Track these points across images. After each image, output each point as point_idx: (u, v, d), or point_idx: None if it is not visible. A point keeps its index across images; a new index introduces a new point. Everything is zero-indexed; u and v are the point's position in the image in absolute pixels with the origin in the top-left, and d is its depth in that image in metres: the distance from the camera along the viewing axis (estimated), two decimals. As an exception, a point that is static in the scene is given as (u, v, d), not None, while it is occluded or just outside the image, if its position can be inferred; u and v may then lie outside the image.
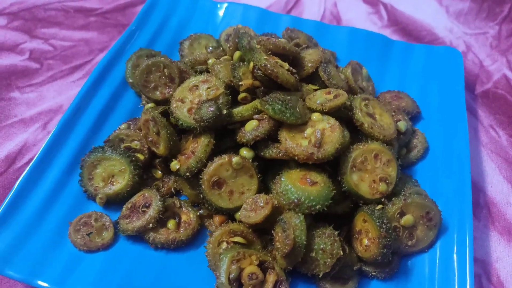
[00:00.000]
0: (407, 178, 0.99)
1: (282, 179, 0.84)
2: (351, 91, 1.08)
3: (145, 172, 0.97)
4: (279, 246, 0.79)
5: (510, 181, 1.10)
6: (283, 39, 1.00)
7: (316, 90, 0.99)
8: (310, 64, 1.00)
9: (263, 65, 0.90)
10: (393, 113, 1.05)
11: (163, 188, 0.95)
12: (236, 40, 1.03)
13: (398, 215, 0.86)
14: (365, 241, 0.84)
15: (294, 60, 1.02)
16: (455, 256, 0.85)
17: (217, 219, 0.92)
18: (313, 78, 1.01)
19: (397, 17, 1.50)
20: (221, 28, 1.28)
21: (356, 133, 0.92)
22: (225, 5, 1.33)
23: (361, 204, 0.87)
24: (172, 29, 1.25)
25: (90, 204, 0.93)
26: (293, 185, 0.82)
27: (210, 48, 1.07)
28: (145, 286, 0.82)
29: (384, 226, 0.80)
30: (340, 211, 0.89)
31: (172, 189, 0.96)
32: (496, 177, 1.11)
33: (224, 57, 1.04)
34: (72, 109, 0.99)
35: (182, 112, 0.90)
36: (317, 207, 0.80)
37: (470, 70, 1.35)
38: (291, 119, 0.85)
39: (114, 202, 0.92)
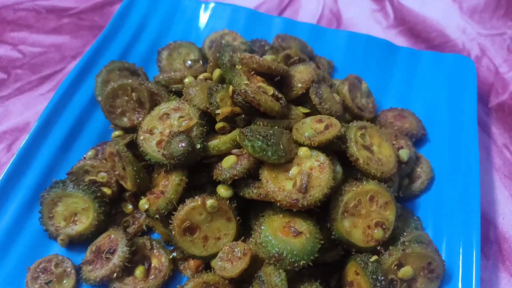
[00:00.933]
0: (408, 215, 0.88)
1: (262, 227, 0.73)
2: (347, 110, 0.96)
3: (114, 206, 0.87)
4: (256, 306, 0.69)
5: (525, 212, 0.98)
6: (268, 56, 0.88)
7: (307, 113, 0.87)
8: (299, 85, 0.87)
9: (243, 91, 0.78)
10: (395, 139, 0.93)
11: (134, 225, 0.86)
12: (217, 54, 0.90)
13: (395, 267, 0.76)
14: (357, 296, 0.74)
15: (282, 78, 0.89)
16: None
17: (192, 263, 0.82)
18: (304, 100, 0.89)
19: (404, 15, 1.35)
20: (206, 33, 1.16)
21: (350, 167, 0.81)
22: (212, 5, 1.19)
23: (353, 252, 0.77)
24: (151, 34, 1.12)
25: (52, 244, 0.84)
26: (274, 236, 0.71)
27: (189, 62, 0.95)
28: None
29: (378, 284, 0.70)
30: (329, 260, 0.79)
31: (144, 226, 0.86)
32: (509, 206, 0.99)
33: (203, 75, 0.92)
34: (34, 133, 0.89)
35: (151, 145, 0.79)
36: (301, 262, 0.69)
37: (484, 78, 1.21)
38: (273, 159, 0.73)
39: (78, 243, 0.83)
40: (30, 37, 1.19)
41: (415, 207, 0.92)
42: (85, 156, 0.88)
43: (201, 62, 0.97)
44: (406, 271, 0.76)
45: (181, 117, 0.80)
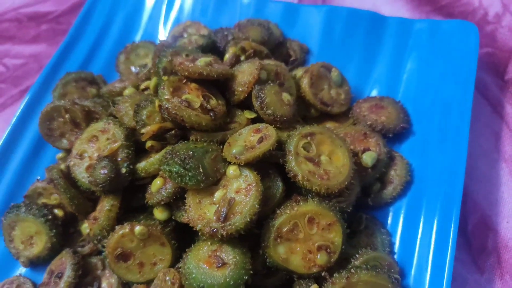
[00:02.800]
0: (375, 228, 0.77)
1: (188, 257, 0.68)
2: (308, 108, 0.85)
3: (72, 225, 0.87)
4: None
5: (538, 213, 0.81)
6: (203, 60, 0.78)
7: (253, 119, 0.78)
8: (240, 89, 0.78)
9: (164, 107, 0.71)
10: (363, 137, 0.81)
11: (89, 245, 0.86)
12: (156, 60, 0.83)
13: (340, 296, 0.67)
14: (298, 327, 0.67)
15: (225, 81, 0.80)
16: None
17: (140, 286, 0.80)
18: (250, 103, 0.79)
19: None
20: (175, 24, 1.08)
21: (295, 184, 0.71)
22: (177, -3, 1.10)
23: (295, 279, 0.69)
24: (114, 36, 1.07)
25: (18, 264, 0.87)
26: (197, 267, 0.66)
27: (137, 68, 0.89)
28: None
29: (313, 319, 0.63)
30: (270, 286, 0.72)
31: (99, 245, 0.85)
32: (517, 207, 0.82)
33: (145, 84, 0.86)
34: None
35: (80, 171, 0.76)
36: (224, 297, 0.64)
37: (502, 43, 0.99)
38: (191, 185, 0.67)
39: (39, 264, 0.85)
40: (13, 49, 1.21)
41: (387, 216, 0.79)
42: (38, 177, 0.88)
43: (148, 66, 0.90)
44: (353, 302, 0.67)
45: (107, 139, 0.76)
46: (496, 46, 0.98)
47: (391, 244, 0.76)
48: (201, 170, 0.67)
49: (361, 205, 0.80)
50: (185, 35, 1.00)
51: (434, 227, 0.73)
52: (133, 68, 0.91)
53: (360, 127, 0.82)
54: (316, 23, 1.00)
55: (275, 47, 0.96)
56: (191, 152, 0.69)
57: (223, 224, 0.65)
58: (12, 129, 0.93)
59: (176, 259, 0.74)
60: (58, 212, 0.85)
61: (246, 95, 0.78)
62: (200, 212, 0.67)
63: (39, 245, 0.83)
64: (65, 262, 0.80)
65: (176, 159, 0.68)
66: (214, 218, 0.66)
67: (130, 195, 0.78)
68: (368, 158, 0.77)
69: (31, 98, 0.96)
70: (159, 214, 0.74)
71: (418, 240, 0.74)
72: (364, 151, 0.78)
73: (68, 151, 0.85)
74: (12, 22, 1.26)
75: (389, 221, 0.79)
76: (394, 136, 0.83)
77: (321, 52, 0.99)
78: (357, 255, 0.70)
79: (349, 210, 0.72)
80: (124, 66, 0.98)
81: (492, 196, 0.84)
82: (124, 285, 0.81)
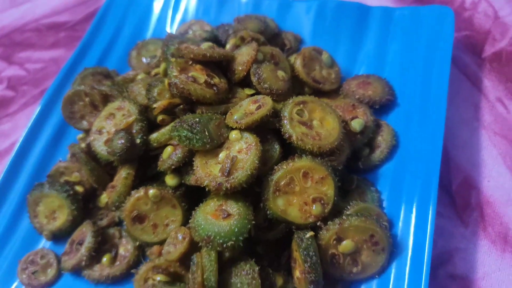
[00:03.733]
0: (365, 187, 0.85)
1: (196, 212, 0.76)
2: (302, 87, 0.94)
3: (91, 201, 0.96)
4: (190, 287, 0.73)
5: (516, 171, 0.88)
6: (206, 44, 0.89)
7: (252, 95, 0.87)
8: (240, 68, 0.88)
9: (172, 82, 0.81)
10: (352, 108, 0.89)
11: (107, 218, 0.94)
12: (165, 48, 0.94)
13: (334, 242, 0.74)
14: (297, 273, 0.74)
15: (227, 63, 0.90)
16: (406, 279, 0.72)
17: (154, 248, 0.88)
18: (250, 81, 0.89)
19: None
20: (180, 24, 1.19)
21: (291, 146, 0.80)
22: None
23: (294, 230, 0.77)
24: (128, 34, 1.19)
25: (42, 239, 0.95)
26: (204, 219, 0.74)
27: (148, 58, 1.00)
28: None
29: (309, 260, 0.70)
30: (272, 238, 0.79)
31: (116, 217, 0.94)
32: (497, 168, 0.90)
33: (155, 70, 0.96)
34: (22, 144, 1.01)
35: (99, 145, 0.86)
36: (229, 243, 0.71)
37: (479, 25, 1.08)
38: (198, 146, 0.76)
39: (61, 237, 0.93)
40: (34, 55, 1.33)
41: (377, 178, 0.87)
42: (60, 159, 0.98)
43: (158, 57, 1.01)
44: (346, 245, 0.74)
45: (123, 115, 0.85)
46: (473, 29, 1.07)
47: (380, 200, 0.83)
48: (206, 133, 0.76)
49: (353, 169, 0.88)
50: (190, 32, 1.10)
51: (419, 184, 0.80)
52: (144, 59, 1.01)
53: (349, 100, 0.91)
54: (308, 16, 1.10)
55: (271, 37, 1.06)
56: (197, 119, 0.78)
57: (227, 178, 0.73)
58: (36, 118, 1.03)
59: (186, 220, 0.82)
60: (78, 188, 0.94)
61: (245, 73, 0.87)
62: (207, 170, 0.76)
63: (61, 219, 0.92)
64: (85, 231, 0.89)
65: (184, 125, 0.77)
66: (219, 174, 0.74)
67: (144, 166, 0.86)
68: (356, 124, 0.85)
69: (53, 90, 1.06)
70: (170, 180, 0.83)
71: (404, 196, 0.81)
72: (352, 119, 0.87)
73: (87, 132, 0.95)
74: (32, 31, 1.38)
75: (378, 181, 0.86)
76: (381, 107, 0.92)
77: (313, 41, 1.08)
78: (349, 207, 0.78)
79: (339, 168, 0.80)
80: (136, 60, 1.09)
81: (473, 159, 0.91)
82: (139, 250, 0.89)
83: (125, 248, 0.89)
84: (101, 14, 1.21)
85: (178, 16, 1.20)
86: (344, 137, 0.82)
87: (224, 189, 0.73)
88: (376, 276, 0.76)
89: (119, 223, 0.94)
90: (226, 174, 0.73)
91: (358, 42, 1.05)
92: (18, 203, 0.97)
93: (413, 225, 0.77)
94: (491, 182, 0.88)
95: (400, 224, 0.79)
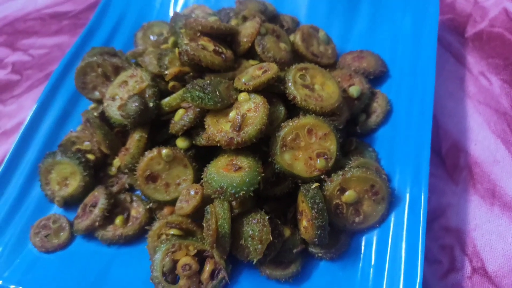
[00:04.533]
0: (363, 148, 0.91)
1: (208, 167, 0.81)
2: (305, 58, 1.01)
3: (101, 170, 1.00)
4: (205, 236, 0.78)
5: (499, 135, 0.96)
6: (212, 18, 0.95)
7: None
8: (245, 39, 0.94)
9: (184, 50, 0.86)
10: (349, 78, 0.96)
11: (117, 184, 0.98)
12: (173, 24, 0.99)
13: (338, 192, 0.80)
14: (304, 222, 0.80)
15: (232, 37, 0.96)
16: (404, 229, 0.78)
17: (165, 210, 0.92)
18: (254, 53, 0.95)
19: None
20: (182, 9, 1.25)
21: (296, 108, 0.86)
22: (184, -15, 1.28)
23: (300, 184, 0.82)
24: (132, 19, 1.24)
25: (53, 206, 0.98)
26: (217, 172, 0.79)
27: (155, 36, 1.05)
28: (96, 281, 0.86)
29: (315, 207, 0.75)
30: (279, 193, 0.85)
31: (126, 184, 0.98)
32: (482, 132, 0.97)
33: (163, 46, 1.01)
34: (32, 117, 1.04)
35: (113, 110, 0.90)
36: (241, 193, 0.76)
37: (461, 9, 1.18)
38: (210, 105, 0.81)
39: (72, 203, 0.96)
40: (37, 42, 1.37)
41: (373, 141, 0.94)
42: (71, 130, 1.01)
43: (165, 35, 1.06)
44: (349, 195, 0.80)
45: (136, 81, 0.90)
46: (456, 13, 1.17)
47: (378, 159, 0.90)
48: (217, 93, 0.82)
49: (351, 133, 0.94)
50: (193, 15, 1.17)
51: (413, 144, 0.87)
52: (151, 37, 1.06)
53: (346, 71, 0.98)
54: (304, 1, 1.18)
55: (270, 19, 1.13)
56: (208, 82, 0.84)
57: (238, 133, 0.78)
58: (46, 93, 1.07)
59: (197, 179, 0.87)
60: (89, 156, 0.97)
61: (250, 45, 0.94)
62: (218, 128, 0.81)
63: (73, 185, 0.95)
64: (98, 195, 0.92)
65: (196, 87, 0.82)
66: (231, 130, 0.79)
67: (154, 131, 0.91)
68: (353, 91, 0.92)
69: (62, 67, 1.10)
70: (181, 142, 0.88)
71: (400, 155, 0.88)
72: (350, 86, 0.94)
73: (99, 102, 0.99)
74: (35, 20, 1.42)
75: (375, 144, 0.93)
76: (374, 79, 0.99)
77: (309, 23, 1.15)
78: (350, 162, 0.84)
79: (340, 128, 0.86)
80: (142, 41, 1.14)
81: (460, 125, 0.99)
82: (150, 212, 0.93)
83: (137, 211, 0.93)
84: (105, 1, 1.26)
85: (180, 2, 1.27)
86: (343, 100, 0.89)
87: (235, 143, 0.78)
88: (377, 225, 0.82)
89: (129, 190, 0.98)
90: (237, 129, 0.78)
91: (350, 23, 1.13)
92: (28, 174, 0.99)
93: (410, 180, 0.83)
94: (478, 145, 0.96)
95: (397, 180, 0.85)
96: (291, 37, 1.03)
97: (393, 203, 0.82)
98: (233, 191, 0.76)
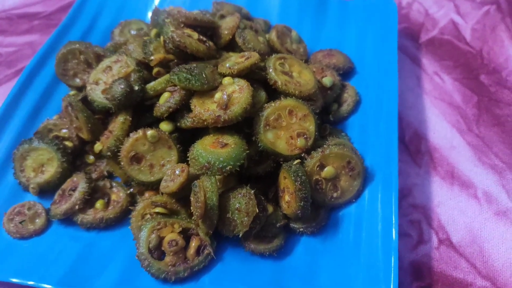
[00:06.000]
0: (337, 132, 0.98)
1: (194, 145, 0.84)
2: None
3: (78, 158, 0.99)
4: (193, 210, 0.79)
5: (454, 125, 1.07)
6: (195, 11, 1.00)
7: (235, 56, 0.99)
8: (226, 32, 1.00)
9: (170, 36, 0.90)
10: (321, 71, 1.04)
11: (96, 172, 0.97)
12: (155, 17, 1.03)
13: (318, 168, 0.85)
14: (287, 197, 0.84)
15: (212, 30, 1.02)
16: (379, 204, 0.84)
17: (146, 195, 0.93)
18: (234, 46, 1.01)
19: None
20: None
21: (275, 94, 0.91)
22: (158, -11, 1.33)
23: (281, 162, 0.87)
24: (107, 20, 1.26)
25: (26, 195, 0.95)
26: (204, 149, 0.82)
27: (134, 31, 1.08)
28: (75, 265, 0.84)
29: (299, 179, 0.80)
30: (261, 172, 0.88)
31: (105, 172, 0.97)
32: (439, 123, 1.08)
33: (144, 38, 1.04)
34: (5, 107, 1.02)
35: (96, 94, 0.91)
36: (228, 168, 0.79)
37: (414, 19, 1.31)
38: (197, 86, 0.85)
39: (48, 190, 0.94)
40: (5, 40, 1.35)
41: (345, 128, 1.01)
42: (48, 118, 1.00)
43: (145, 29, 1.10)
44: (328, 171, 0.85)
45: (120, 67, 0.92)
46: (410, 22, 1.30)
47: (351, 143, 0.97)
48: (203, 75, 0.86)
49: (325, 122, 1.01)
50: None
51: (382, 129, 0.95)
52: (132, 32, 1.09)
53: (318, 65, 1.06)
54: (274, 6, 1.27)
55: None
56: (194, 65, 0.88)
57: (225, 111, 0.82)
58: (20, 83, 1.05)
59: (181, 161, 0.89)
60: (67, 143, 0.97)
61: (230, 37, 0.99)
62: (205, 107, 0.85)
63: (51, 171, 0.93)
64: (77, 180, 0.91)
65: (183, 69, 0.86)
66: (217, 108, 0.83)
67: (138, 116, 0.93)
68: (326, 81, 1.00)
69: (38, 58, 1.09)
70: (165, 126, 0.90)
71: (370, 140, 0.95)
72: (322, 77, 1.01)
73: (79, 89, 1.00)
74: (2, 19, 1.40)
75: (347, 130, 1.00)
76: (343, 74, 1.08)
77: (280, 26, 1.24)
78: (327, 142, 0.90)
79: (317, 112, 0.93)
80: (119, 37, 1.16)
81: (420, 117, 1.09)
82: (132, 197, 0.93)
83: (117, 195, 0.93)
84: (79, 2, 1.27)
85: (156, 4, 1.31)
86: (318, 88, 0.96)
87: (222, 120, 0.82)
88: (353, 200, 0.88)
89: (108, 177, 0.98)
90: (224, 107, 0.83)
91: (319, 28, 1.23)
92: (0, 162, 0.97)
93: (381, 160, 0.90)
94: (436, 134, 1.06)
95: (369, 160, 0.92)
96: (267, 36, 1.10)
97: (367, 179, 0.89)
98: (220, 165, 0.79)
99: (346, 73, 1.09)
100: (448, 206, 0.94)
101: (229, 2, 1.22)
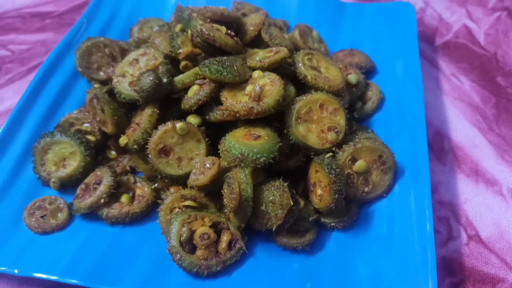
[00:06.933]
0: (363, 128, 0.98)
1: (226, 137, 0.83)
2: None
3: (100, 153, 0.97)
4: (226, 202, 0.78)
5: (475, 125, 1.08)
6: (221, 7, 1.00)
7: (261, 52, 0.99)
8: (252, 28, 0.99)
9: (199, 30, 0.90)
10: (344, 69, 1.04)
11: (118, 167, 0.95)
12: (179, 13, 1.03)
13: (349, 162, 0.85)
14: (319, 191, 0.83)
15: (237, 26, 1.02)
16: (412, 198, 0.83)
17: (172, 190, 0.90)
18: (259, 42, 1.01)
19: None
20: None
21: (303, 89, 0.91)
22: (175, -12, 1.33)
23: (312, 156, 0.86)
24: (123, 18, 1.25)
25: (46, 190, 0.92)
26: (236, 141, 0.81)
27: (156, 27, 1.08)
28: (101, 260, 0.81)
29: (333, 172, 0.79)
30: (292, 166, 0.87)
31: (128, 167, 0.95)
32: (460, 122, 1.09)
33: (170, 33, 1.04)
34: (23, 101, 1.00)
35: (124, 86, 0.90)
36: (262, 159, 0.78)
37: (429, 24, 1.33)
38: (228, 77, 0.84)
39: (69, 185, 0.92)
40: (18, 38, 1.33)
41: (370, 125, 1.01)
42: (69, 112, 0.98)
43: (166, 27, 1.09)
44: (360, 165, 0.84)
45: (148, 59, 0.91)
46: (425, 26, 1.32)
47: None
48: (235, 68, 0.85)
49: (350, 119, 1.01)
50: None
51: (408, 125, 0.94)
52: (155, 28, 1.08)
53: (340, 63, 1.06)
54: (292, 8, 1.27)
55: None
56: (225, 58, 0.87)
57: (258, 103, 0.81)
58: (39, 77, 1.03)
59: (209, 155, 0.87)
60: (90, 137, 0.95)
61: (256, 33, 0.99)
62: (237, 99, 0.84)
63: (73, 165, 0.91)
64: (101, 175, 0.89)
65: (213, 61, 0.85)
66: (250, 100, 0.82)
67: (164, 110, 0.91)
68: (352, 78, 1.00)
69: (55, 55, 1.07)
70: (193, 119, 0.89)
71: (397, 138, 0.94)
72: (347, 75, 1.01)
73: (102, 83, 0.98)
74: (15, 18, 1.38)
75: (372, 127, 1.00)
76: (365, 73, 1.08)
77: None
78: (357, 136, 0.89)
79: (346, 107, 0.92)
80: (138, 34, 1.15)
81: (441, 116, 1.10)
82: (156, 192, 0.91)
83: (142, 190, 0.90)
84: (94, 3, 1.26)
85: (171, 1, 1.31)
86: (345, 85, 0.96)
87: (255, 112, 0.81)
88: (384, 195, 0.87)
89: (130, 173, 0.96)
90: (257, 99, 0.82)
91: (336, 30, 1.23)
92: (19, 156, 0.94)
93: (410, 155, 0.89)
94: (458, 132, 1.06)
95: (397, 156, 0.92)
96: (289, 35, 1.11)
97: (397, 174, 0.88)
98: (254, 157, 0.78)
99: (368, 72, 1.09)
100: (475, 202, 0.94)
101: (249, 2, 1.23)
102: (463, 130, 1.07)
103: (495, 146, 1.03)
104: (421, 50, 1.25)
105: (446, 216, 0.92)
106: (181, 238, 0.78)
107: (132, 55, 0.93)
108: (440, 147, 1.03)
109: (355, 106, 1.02)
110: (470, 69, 1.20)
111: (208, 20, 0.96)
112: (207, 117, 0.88)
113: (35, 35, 1.33)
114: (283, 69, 0.91)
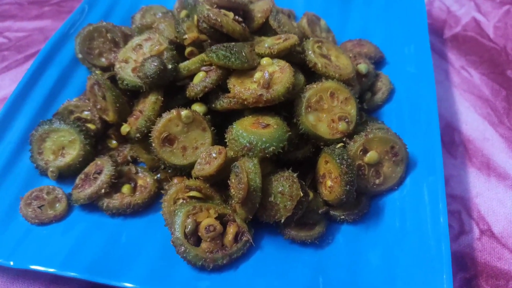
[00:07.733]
0: (373, 120, 0.95)
1: (233, 126, 0.79)
2: (308, 41, 1.04)
3: (100, 143, 0.93)
4: (234, 193, 0.74)
5: (486, 118, 1.05)
6: (228, -8, 0.97)
7: (268, 39, 0.95)
8: (259, 15, 0.96)
9: (206, 15, 0.86)
10: (354, 59, 1.01)
11: (119, 157, 0.91)
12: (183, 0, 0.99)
13: (361, 153, 0.82)
14: (329, 183, 0.80)
15: (244, 13, 0.98)
16: (425, 191, 0.80)
17: (175, 180, 0.87)
18: (266, 30, 0.97)
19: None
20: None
21: (313, 77, 0.88)
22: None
23: (322, 147, 0.83)
24: (125, 6, 1.21)
25: (43, 180, 0.89)
26: (245, 129, 0.77)
27: (160, 14, 1.04)
28: (101, 253, 0.77)
29: (344, 162, 0.76)
30: (300, 156, 0.84)
31: (129, 157, 0.92)
32: (470, 115, 1.06)
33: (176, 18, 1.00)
34: (20, 88, 0.96)
35: (127, 72, 0.86)
36: (271, 149, 0.75)
37: (437, 16, 1.31)
38: (236, 64, 0.81)
39: (67, 175, 0.88)
40: (15, 25, 1.28)
41: (380, 116, 0.98)
42: (68, 100, 0.95)
43: (170, 14, 1.05)
44: (371, 156, 0.81)
45: (152, 45, 0.88)
46: (433, 19, 1.29)
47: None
48: (243, 54, 0.82)
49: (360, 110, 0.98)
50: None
51: (422, 119, 0.91)
52: (160, 14, 1.04)
53: (350, 53, 1.03)
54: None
55: (270, 10, 1.17)
56: (232, 44, 0.84)
57: (267, 90, 0.78)
58: (37, 64, 0.99)
59: (215, 144, 0.84)
60: (90, 126, 0.91)
61: (264, 20, 0.96)
62: (245, 86, 0.80)
63: (72, 154, 0.87)
64: (101, 164, 0.86)
65: (221, 47, 0.82)
66: (259, 87, 0.79)
67: (168, 97, 0.88)
68: (362, 67, 0.97)
69: (53, 42, 1.04)
70: (199, 107, 0.85)
71: (408, 129, 0.92)
72: (357, 64, 0.98)
73: (103, 69, 0.94)
74: (12, 5, 1.34)
75: (382, 118, 0.97)
76: (375, 63, 1.05)
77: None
78: (368, 127, 0.86)
79: (356, 97, 0.89)
80: (140, 21, 1.11)
81: (451, 109, 1.07)
82: (159, 183, 0.88)
83: (144, 181, 0.87)
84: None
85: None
86: (355, 74, 0.93)
87: (265, 99, 0.78)
88: (395, 188, 0.84)
89: (132, 162, 0.92)
90: (266, 86, 0.78)
91: (344, 21, 1.20)
92: (16, 145, 0.90)
93: (422, 147, 0.86)
94: (468, 125, 1.04)
95: (409, 147, 0.89)
96: (297, 23, 1.08)
97: (409, 166, 0.85)
98: (263, 146, 0.75)
99: (377, 63, 1.06)
100: (487, 197, 0.91)
101: (253, -8, 1.20)
102: (474, 123, 1.04)
103: (506, 140, 1.00)
104: (431, 43, 1.22)
105: (458, 210, 0.89)
106: (186, 230, 0.75)
107: (135, 40, 0.89)
108: (450, 140, 1.01)
109: (365, 97, 0.99)
110: (479, 62, 1.17)
111: (215, 6, 0.93)
112: (213, 105, 0.85)
113: (32, 22, 1.29)
114: (292, 57, 0.88)
